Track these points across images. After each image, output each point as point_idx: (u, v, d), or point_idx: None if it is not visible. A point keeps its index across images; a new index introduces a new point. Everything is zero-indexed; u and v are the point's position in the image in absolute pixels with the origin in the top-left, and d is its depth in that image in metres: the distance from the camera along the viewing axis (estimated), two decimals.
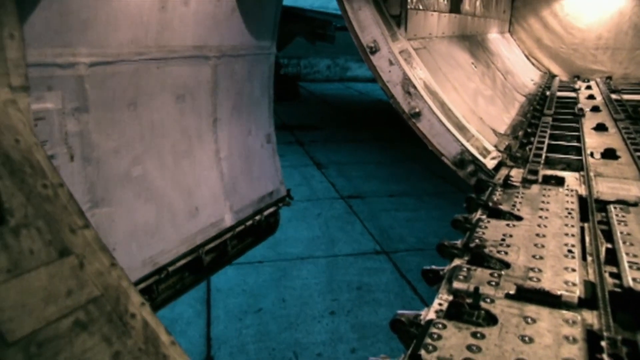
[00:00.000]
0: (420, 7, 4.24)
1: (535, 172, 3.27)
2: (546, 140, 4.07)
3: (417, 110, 3.59)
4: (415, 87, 3.61)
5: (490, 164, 3.55)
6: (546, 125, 4.64)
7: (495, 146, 3.88)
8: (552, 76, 9.20)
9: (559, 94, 6.83)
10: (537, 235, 2.28)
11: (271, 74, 4.24)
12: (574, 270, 1.92)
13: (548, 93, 6.81)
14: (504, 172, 3.42)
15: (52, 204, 1.16)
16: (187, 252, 3.24)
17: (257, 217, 3.99)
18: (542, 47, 9.77)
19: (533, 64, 9.67)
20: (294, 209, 8.25)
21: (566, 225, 2.40)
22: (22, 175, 1.11)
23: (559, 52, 9.63)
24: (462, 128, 3.71)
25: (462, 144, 3.55)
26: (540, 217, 2.51)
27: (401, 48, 3.75)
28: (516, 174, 3.35)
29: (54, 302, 1.08)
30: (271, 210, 4.21)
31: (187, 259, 3.24)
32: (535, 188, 3.00)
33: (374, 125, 14.51)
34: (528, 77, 8.14)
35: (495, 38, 8.29)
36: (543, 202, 2.74)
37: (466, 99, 4.42)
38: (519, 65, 8.55)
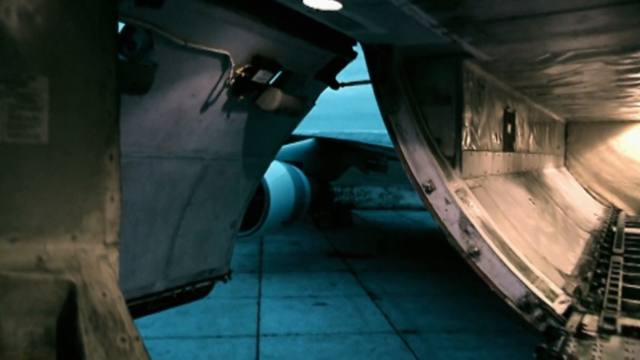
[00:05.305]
0: (474, 148, 4.38)
1: (613, 321, 3.01)
2: (620, 283, 3.81)
3: (475, 249, 3.52)
4: (473, 226, 3.59)
5: (559, 308, 3.32)
6: (618, 266, 4.36)
7: (563, 288, 3.67)
8: (617, 210, 8.87)
9: (627, 230, 6.50)
10: None
11: (262, 174, 4.41)
12: None
13: (615, 229, 6.52)
14: (575, 318, 3.18)
15: (127, 359, 1.20)
16: None
17: (188, 288, 4.15)
18: (601, 181, 9.55)
19: (594, 197, 9.41)
20: (346, 342, 7.86)
21: None
22: (105, 329, 1.17)
23: (621, 186, 9.37)
24: (525, 268, 3.57)
25: (527, 286, 3.38)
26: None
27: (457, 187, 3.81)
28: (590, 321, 3.09)
29: None
30: (205, 284, 4.40)
31: None
32: (614, 340, 2.75)
33: (428, 254, 14.19)
34: (590, 212, 7.90)
35: (552, 172, 8.27)
36: (627, 358, 2.48)
37: (527, 237, 4.31)
38: (579, 199, 8.36)
